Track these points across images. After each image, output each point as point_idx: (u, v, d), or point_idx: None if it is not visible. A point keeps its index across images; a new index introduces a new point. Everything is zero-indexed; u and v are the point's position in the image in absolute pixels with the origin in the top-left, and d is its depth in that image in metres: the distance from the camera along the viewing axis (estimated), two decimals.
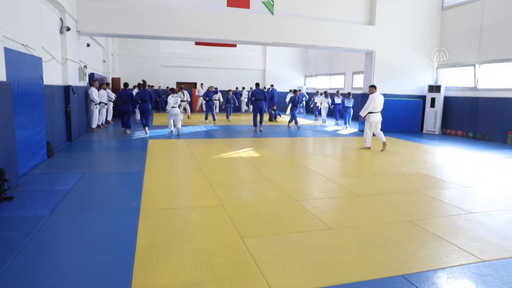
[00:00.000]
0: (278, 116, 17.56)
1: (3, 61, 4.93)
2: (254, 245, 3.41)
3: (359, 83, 17.63)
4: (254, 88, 14.85)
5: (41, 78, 6.90)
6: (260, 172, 6.49)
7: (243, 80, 23.18)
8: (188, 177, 6.35)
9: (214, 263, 3.04)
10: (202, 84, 20.91)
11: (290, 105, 14.23)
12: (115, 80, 17.02)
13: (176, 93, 13.60)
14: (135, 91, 14.70)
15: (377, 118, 9.00)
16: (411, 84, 13.80)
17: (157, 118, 15.86)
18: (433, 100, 13.39)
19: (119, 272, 2.88)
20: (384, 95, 13.30)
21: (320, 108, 17.69)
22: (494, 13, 11.50)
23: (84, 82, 11.21)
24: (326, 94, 17.21)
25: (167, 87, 20.69)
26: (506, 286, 2.81)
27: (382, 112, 9.14)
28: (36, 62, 6.73)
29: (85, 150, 8.58)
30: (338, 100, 16.21)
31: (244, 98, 21.58)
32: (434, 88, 13.43)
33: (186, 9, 11.22)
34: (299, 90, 22.44)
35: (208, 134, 11.94)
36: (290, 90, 21.37)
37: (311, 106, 19.55)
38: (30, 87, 6.32)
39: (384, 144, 8.96)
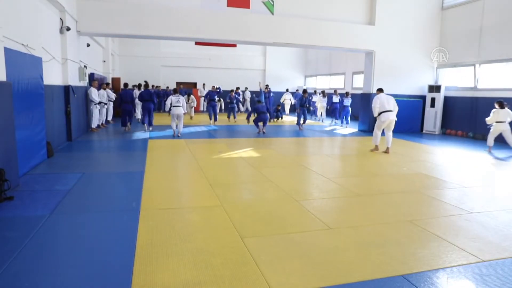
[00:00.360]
0: (280, 118, 17.34)
1: (3, 61, 4.93)
2: (254, 245, 3.41)
3: (359, 83, 17.63)
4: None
5: (41, 78, 6.90)
6: (260, 172, 6.49)
7: (243, 80, 23.18)
8: (188, 177, 6.35)
9: (214, 263, 3.04)
10: (204, 84, 20.88)
11: (299, 105, 14.15)
12: (115, 80, 17.03)
13: (178, 93, 13.72)
14: (136, 91, 15.04)
15: (389, 117, 8.62)
16: (411, 84, 13.80)
17: (157, 118, 15.84)
18: (433, 100, 13.38)
19: (119, 272, 2.88)
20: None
21: (318, 107, 17.79)
22: (494, 13, 11.50)
23: (84, 82, 11.21)
24: (323, 93, 17.25)
25: (167, 87, 20.69)
26: (506, 286, 2.81)
27: (397, 114, 8.79)
28: (36, 62, 6.73)
29: (85, 150, 8.58)
30: (336, 99, 16.24)
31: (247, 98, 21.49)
32: (434, 88, 13.43)
33: (186, 9, 11.21)
34: (297, 90, 22.54)
35: (208, 134, 11.94)
36: (287, 90, 21.47)
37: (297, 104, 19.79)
38: (30, 87, 6.32)
39: (388, 149, 8.77)
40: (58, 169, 6.41)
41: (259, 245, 3.43)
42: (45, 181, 5.57)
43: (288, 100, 20.21)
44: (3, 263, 2.97)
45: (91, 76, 12.56)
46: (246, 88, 21.62)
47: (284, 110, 19.53)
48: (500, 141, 11.17)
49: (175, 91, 11.23)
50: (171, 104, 10.87)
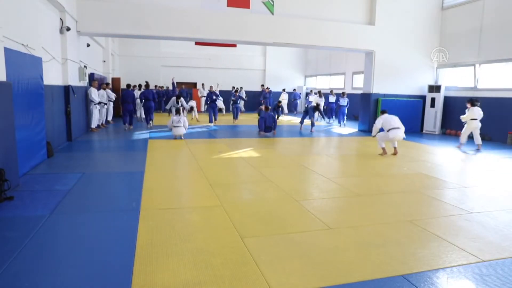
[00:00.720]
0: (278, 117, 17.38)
1: (3, 61, 4.93)
2: (254, 245, 3.41)
3: (359, 83, 17.65)
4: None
5: (41, 78, 6.90)
6: (260, 172, 6.49)
7: (243, 80, 23.21)
8: (188, 177, 6.35)
9: (214, 263, 3.04)
10: (203, 84, 20.87)
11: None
12: (115, 80, 17.03)
13: (180, 97, 13.94)
14: (136, 91, 15.25)
15: (397, 134, 8.23)
16: (411, 84, 13.81)
17: (157, 118, 15.83)
18: (433, 100, 13.38)
19: (119, 272, 2.88)
20: (384, 95, 13.41)
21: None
22: (494, 13, 11.50)
23: (84, 82, 11.21)
24: (320, 93, 17.36)
25: (167, 87, 20.67)
26: (506, 286, 2.81)
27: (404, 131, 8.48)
28: (36, 62, 6.73)
29: (85, 150, 8.58)
30: (332, 99, 16.51)
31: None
32: (434, 88, 13.43)
33: (186, 9, 11.22)
34: (294, 90, 22.60)
35: (208, 134, 11.94)
36: (283, 90, 21.56)
37: (306, 105, 19.75)
38: (30, 87, 6.32)
39: (395, 149, 8.53)
40: (58, 169, 6.41)
41: (259, 245, 3.43)
42: (45, 181, 5.57)
43: (285, 100, 20.37)
44: (3, 263, 2.97)
45: (91, 76, 12.57)
46: (241, 87, 21.67)
47: (282, 110, 19.58)
48: (498, 140, 11.18)
49: (178, 97, 11.11)
50: (172, 123, 10.45)
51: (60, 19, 8.95)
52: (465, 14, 12.63)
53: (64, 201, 4.61)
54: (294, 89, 22.92)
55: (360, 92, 14.38)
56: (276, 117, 12.38)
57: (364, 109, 13.66)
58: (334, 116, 16.56)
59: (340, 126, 15.12)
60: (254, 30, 11.82)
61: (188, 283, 2.73)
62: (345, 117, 15.41)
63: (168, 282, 2.73)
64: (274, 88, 22.21)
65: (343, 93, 15.46)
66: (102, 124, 12.87)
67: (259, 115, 13.14)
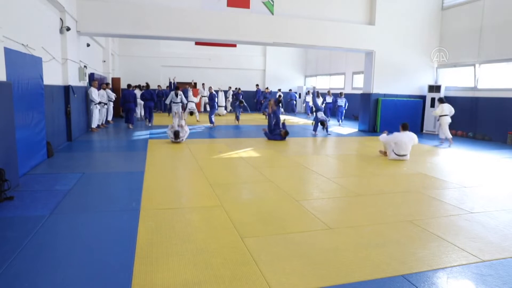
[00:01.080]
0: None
1: (3, 61, 4.93)
2: (254, 245, 3.41)
3: (359, 83, 17.66)
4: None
5: (41, 78, 6.90)
6: (260, 172, 6.49)
7: (243, 80, 23.23)
8: (188, 177, 6.35)
9: (214, 263, 3.04)
10: (203, 84, 20.86)
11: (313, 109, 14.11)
12: (115, 80, 17.04)
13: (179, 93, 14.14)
14: (137, 91, 15.45)
15: (403, 154, 7.96)
16: (411, 84, 13.81)
17: (157, 118, 15.83)
18: (433, 100, 13.38)
19: (119, 272, 2.87)
20: (384, 95, 13.40)
21: (312, 106, 18.11)
22: (494, 13, 11.50)
23: (84, 82, 11.22)
24: (317, 93, 17.44)
25: (167, 87, 20.67)
26: (506, 286, 2.81)
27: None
28: (36, 62, 6.73)
29: (85, 150, 8.58)
30: (329, 99, 16.79)
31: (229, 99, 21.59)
32: (434, 88, 13.43)
33: (186, 9, 11.21)
34: (290, 90, 22.65)
35: (208, 134, 11.94)
36: (279, 90, 21.58)
37: (303, 105, 19.97)
38: (30, 87, 6.32)
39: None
40: (58, 169, 6.41)
41: (259, 245, 3.43)
42: (45, 181, 5.57)
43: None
44: (3, 263, 2.96)
45: (91, 76, 12.57)
46: (230, 87, 21.69)
47: (282, 105, 19.68)
48: (498, 140, 11.17)
49: (177, 88, 11.04)
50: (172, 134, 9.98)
51: (60, 19, 8.96)
52: (465, 14, 12.63)
53: (64, 201, 4.61)
54: (290, 89, 22.87)
55: (360, 92, 14.39)
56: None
57: (364, 109, 13.67)
58: (329, 115, 16.68)
59: (340, 125, 15.26)
60: (254, 30, 11.82)
61: (188, 283, 2.73)
62: (343, 116, 15.71)
63: (168, 282, 2.73)
64: (273, 88, 22.31)
65: (341, 93, 15.58)
66: (102, 124, 12.88)
67: (265, 115, 12.37)
